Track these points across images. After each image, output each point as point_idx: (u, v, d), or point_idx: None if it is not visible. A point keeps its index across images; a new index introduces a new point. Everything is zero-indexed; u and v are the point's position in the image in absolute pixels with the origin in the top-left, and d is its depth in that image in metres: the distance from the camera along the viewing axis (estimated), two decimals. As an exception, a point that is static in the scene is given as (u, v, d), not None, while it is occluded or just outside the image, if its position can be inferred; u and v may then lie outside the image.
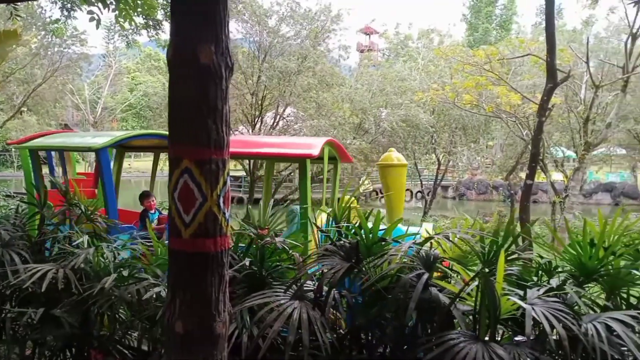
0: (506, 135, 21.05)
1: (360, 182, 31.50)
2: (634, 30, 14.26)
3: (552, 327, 2.75)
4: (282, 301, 3.12)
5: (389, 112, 19.74)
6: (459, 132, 22.45)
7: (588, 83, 16.25)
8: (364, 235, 3.36)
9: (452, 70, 18.14)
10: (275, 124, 18.22)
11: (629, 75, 14.62)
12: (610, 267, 3.52)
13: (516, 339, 3.10)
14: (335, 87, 19.34)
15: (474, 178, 37.83)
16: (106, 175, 6.00)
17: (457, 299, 3.12)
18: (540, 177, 24.11)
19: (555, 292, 3.32)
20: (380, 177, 6.77)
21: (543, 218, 23.35)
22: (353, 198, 6.49)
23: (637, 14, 13.95)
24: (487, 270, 3.30)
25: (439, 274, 3.50)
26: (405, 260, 3.29)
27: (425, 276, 3.09)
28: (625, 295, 3.68)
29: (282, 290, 3.31)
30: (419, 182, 28.46)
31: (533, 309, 2.82)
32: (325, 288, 3.25)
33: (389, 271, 3.22)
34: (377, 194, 38.14)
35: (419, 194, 30.24)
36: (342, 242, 3.45)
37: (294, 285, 3.38)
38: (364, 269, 3.49)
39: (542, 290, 3.17)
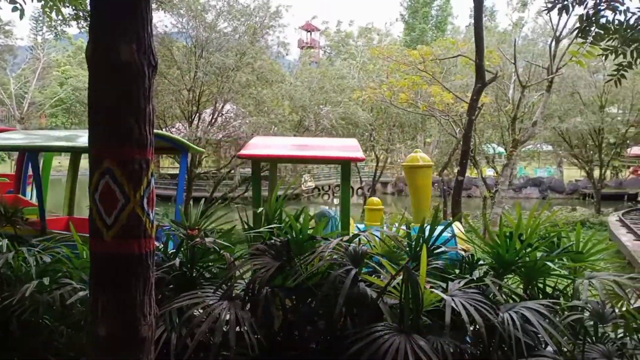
0: (440, 133, 21.81)
1: (303, 180, 31.61)
2: (558, 34, 15.15)
3: (471, 317, 2.90)
4: (211, 302, 3.11)
5: (328, 109, 19.93)
6: (397, 130, 23.02)
7: (516, 83, 17.09)
8: (294, 234, 3.41)
9: (388, 70, 18.56)
10: (213, 120, 17.91)
11: (553, 76, 15.53)
12: (527, 259, 3.75)
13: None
14: (275, 84, 19.28)
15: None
16: None
17: (384, 293, 3.22)
18: (473, 173, 25.26)
19: (476, 284, 3.51)
20: (407, 178, 6.93)
21: (476, 212, 24.47)
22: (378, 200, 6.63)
23: (559, 19, 14.83)
24: (414, 264, 3.44)
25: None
26: (336, 256, 3.37)
27: (354, 272, 3.17)
28: (541, 286, 3.95)
29: (212, 291, 3.29)
30: (359, 179, 28.95)
31: (453, 300, 2.97)
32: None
33: (319, 268, 3.27)
34: (319, 191, 38.49)
35: (360, 191, 30.77)
36: (272, 241, 3.47)
37: (224, 286, 3.37)
38: (295, 266, 3.54)
39: (463, 282, 3.33)
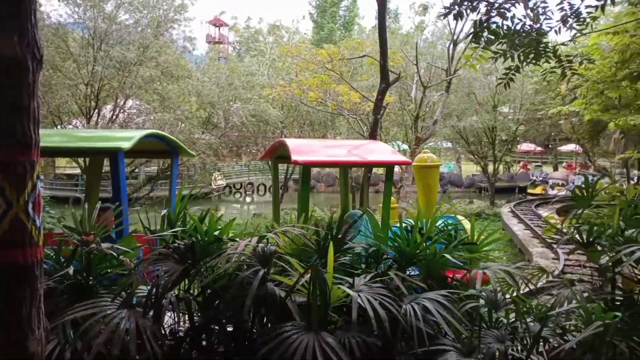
0: (349, 131, 22.34)
1: (213, 178, 30.89)
2: (455, 37, 16.08)
3: (376, 311, 2.99)
4: (109, 311, 2.93)
5: (238, 106, 19.63)
6: (307, 128, 23.25)
7: (418, 84, 17.93)
8: (199, 237, 3.30)
9: (297, 68, 18.68)
10: (114, 117, 16.94)
11: (451, 78, 16.48)
12: (427, 251, 3.94)
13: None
14: (182, 79, 18.64)
15: (323, 171, 39.57)
16: (122, 183, 4.89)
17: (293, 292, 3.23)
18: (379, 170, 26.16)
19: (381, 278, 3.63)
20: (416, 177, 7.21)
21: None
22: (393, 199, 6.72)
23: (456, 23, 15.75)
24: (323, 261, 3.48)
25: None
26: (244, 258, 3.32)
27: (261, 272, 3.14)
28: (440, 277, 4.17)
29: (110, 299, 3.10)
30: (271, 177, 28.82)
31: (359, 295, 3.05)
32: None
33: (226, 270, 3.21)
34: (230, 190, 37.79)
35: (271, 189, 30.60)
36: (176, 244, 3.34)
37: (123, 293, 3.19)
38: (202, 270, 3.44)
39: (368, 277, 3.43)
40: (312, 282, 3.04)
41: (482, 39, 4.59)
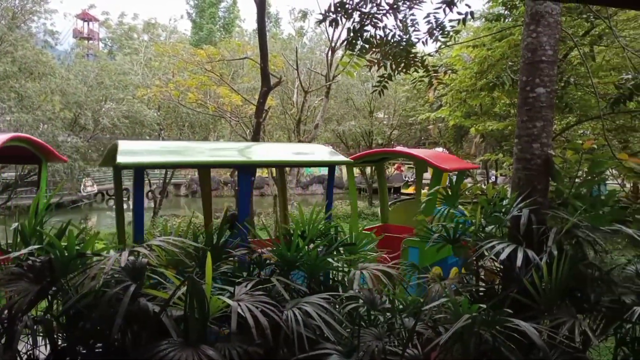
0: (231, 134, 22.01)
1: (83, 184, 28.53)
2: (333, 44, 16.56)
3: (257, 319, 2.92)
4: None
5: (109, 107, 18.32)
6: (187, 130, 22.44)
7: (299, 88, 18.18)
8: (58, 252, 2.96)
9: (175, 68, 17.94)
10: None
11: (330, 83, 16.94)
12: (309, 255, 3.96)
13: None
14: (44, 76, 16.93)
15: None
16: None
17: (168, 306, 3.04)
18: (264, 173, 26.13)
19: (264, 285, 3.57)
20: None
21: (269, 210, 25.35)
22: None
23: (334, 30, 16.23)
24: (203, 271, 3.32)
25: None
26: (112, 273, 3.04)
27: (132, 288, 2.91)
28: (323, 279, 4.23)
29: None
30: (148, 182, 27.39)
31: (239, 304, 2.95)
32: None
33: (91, 288, 2.92)
34: (103, 196, 35.13)
35: (150, 194, 29.05)
36: (30, 261, 2.97)
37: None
38: (64, 287, 3.10)
39: (249, 285, 3.34)
40: (189, 294, 2.88)
41: (357, 47, 4.75)
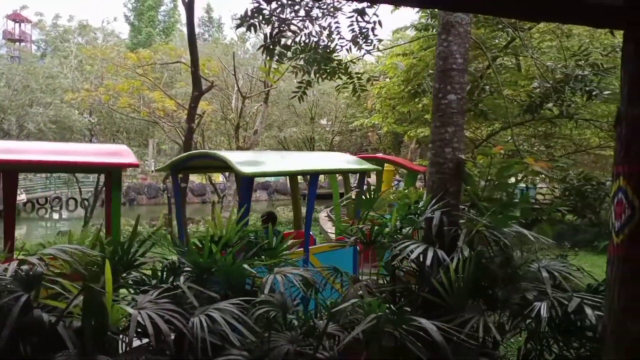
0: (165, 139, 21.52)
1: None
2: (270, 51, 16.58)
3: (158, 327, 2.85)
4: None
5: (36, 111, 17.43)
6: (121, 136, 21.73)
7: (238, 94, 18.04)
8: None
9: (106, 71, 17.34)
10: None
11: (269, 89, 16.95)
12: (225, 261, 3.91)
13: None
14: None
15: (145, 182, 37.38)
16: None
17: (65, 316, 2.92)
18: (204, 179, 25.69)
19: (174, 292, 3.49)
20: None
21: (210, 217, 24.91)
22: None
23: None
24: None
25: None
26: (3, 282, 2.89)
27: (24, 298, 2.77)
28: (241, 285, 4.18)
29: None
30: (79, 190, 26.24)
31: (140, 313, 2.87)
32: None
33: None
34: (33, 206, 33.33)
35: (85, 202, 27.72)
36: None
37: None
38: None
39: (156, 293, 3.26)
40: (85, 303, 2.78)
41: (275, 53, 4.78)
